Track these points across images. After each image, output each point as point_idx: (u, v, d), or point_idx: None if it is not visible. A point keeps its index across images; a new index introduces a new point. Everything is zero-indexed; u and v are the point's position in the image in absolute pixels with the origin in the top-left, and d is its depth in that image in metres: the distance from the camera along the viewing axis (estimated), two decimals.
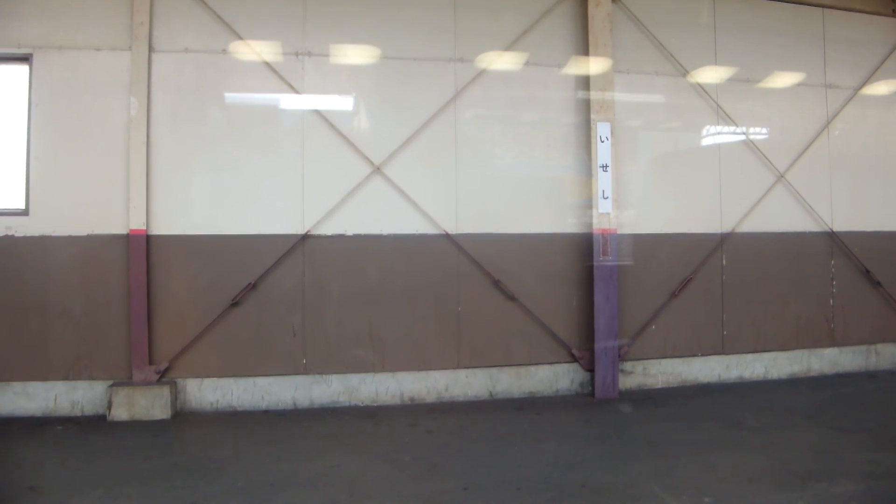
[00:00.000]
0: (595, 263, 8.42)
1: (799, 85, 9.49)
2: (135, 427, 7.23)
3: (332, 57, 8.14)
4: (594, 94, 8.49)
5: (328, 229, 8.05)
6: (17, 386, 7.57)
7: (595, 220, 8.43)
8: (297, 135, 8.04)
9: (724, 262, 9.09)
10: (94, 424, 7.35)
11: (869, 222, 9.69)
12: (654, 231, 8.86)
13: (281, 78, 7.99)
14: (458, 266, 8.32)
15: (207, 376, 7.86)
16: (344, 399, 8.10)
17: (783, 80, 9.43)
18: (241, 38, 7.90)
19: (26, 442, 6.75)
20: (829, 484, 5.50)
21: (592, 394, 8.52)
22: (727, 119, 9.12)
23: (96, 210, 7.67)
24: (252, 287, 7.88)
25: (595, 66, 8.51)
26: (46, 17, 7.65)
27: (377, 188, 8.16)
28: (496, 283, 8.36)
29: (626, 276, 8.63)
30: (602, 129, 8.43)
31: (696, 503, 5.18)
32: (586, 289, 8.55)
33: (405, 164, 8.22)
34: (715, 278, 9.08)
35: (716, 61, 9.13)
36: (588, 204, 8.53)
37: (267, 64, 7.98)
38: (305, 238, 7.99)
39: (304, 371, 8.02)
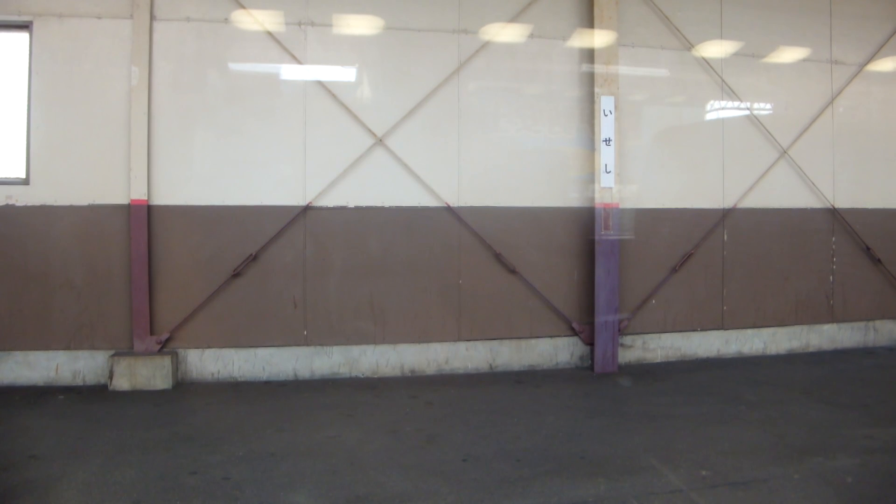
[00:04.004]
0: (596, 238, 8.42)
1: (804, 60, 9.42)
2: (136, 397, 7.27)
3: (335, 27, 8.07)
4: (598, 68, 8.43)
5: (330, 201, 8.03)
6: (19, 355, 7.61)
7: (597, 195, 8.41)
8: (299, 106, 7.99)
9: (725, 237, 9.09)
10: (95, 394, 7.39)
11: (871, 199, 9.67)
12: (656, 206, 8.85)
13: (283, 48, 7.93)
14: (460, 239, 8.32)
15: (209, 347, 7.89)
16: (345, 370, 8.14)
17: (788, 55, 9.36)
18: (243, 6, 7.82)
19: (28, 411, 6.79)
20: (825, 458, 5.55)
21: (592, 367, 8.55)
22: (731, 94, 9.06)
23: (97, 180, 7.65)
24: (253, 258, 7.88)
25: (600, 39, 8.45)
26: None
27: (379, 160, 8.13)
28: (497, 256, 8.37)
29: (628, 250, 8.63)
30: (606, 102, 8.38)
31: (694, 476, 5.22)
32: (587, 263, 8.56)
33: (408, 135, 8.18)
34: (716, 254, 9.08)
35: (721, 36, 9.06)
36: (590, 178, 8.51)
37: (269, 33, 7.91)
38: (307, 209, 7.97)
39: (305, 342, 8.05)
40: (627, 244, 8.64)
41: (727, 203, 9.08)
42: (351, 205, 8.09)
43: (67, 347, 7.66)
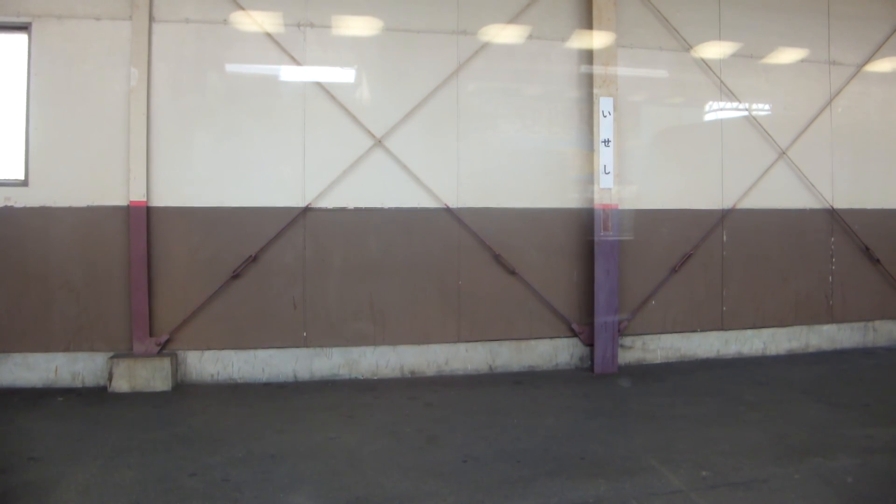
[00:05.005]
0: (596, 238, 8.41)
1: (802, 61, 9.42)
2: (135, 399, 7.26)
3: (334, 28, 8.07)
4: (597, 69, 8.44)
5: (329, 202, 8.03)
6: (18, 357, 7.59)
7: (596, 196, 8.41)
8: (298, 107, 7.99)
9: (724, 238, 9.09)
10: (94, 396, 7.38)
11: (869, 200, 9.68)
12: (656, 206, 8.84)
13: (282, 49, 7.92)
14: (459, 240, 8.32)
15: (208, 348, 7.88)
16: (344, 372, 8.13)
17: (787, 56, 9.36)
18: (242, 8, 7.82)
19: (27, 413, 6.78)
20: (825, 458, 5.55)
21: (592, 368, 8.55)
22: (730, 95, 9.07)
23: (96, 181, 7.64)
24: (253, 259, 7.87)
25: (598, 40, 8.45)
26: None
27: (378, 161, 8.12)
28: (497, 258, 8.36)
29: (627, 251, 8.63)
30: (605, 103, 8.38)
31: (694, 476, 5.22)
32: (587, 264, 8.55)
33: (407, 137, 8.18)
34: (715, 254, 9.08)
35: (720, 37, 9.06)
36: (590, 179, 8.50)
37: (268, 35, 7.91)
38: (306, 211, 7.97)
39: (305, 344, 8.04)
40: (627, 245, 8.64)
41: (726, 204, 9.08)
42: (350, 206, 8.08)
43: (66, 349, 7.65)
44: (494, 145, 8.47)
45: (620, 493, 4.95)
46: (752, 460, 5.52)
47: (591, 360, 8.57)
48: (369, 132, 8.07)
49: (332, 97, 8.01)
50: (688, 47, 8.93)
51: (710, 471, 5.32)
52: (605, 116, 8.39)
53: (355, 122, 8.05)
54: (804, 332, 9.46)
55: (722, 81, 9.04)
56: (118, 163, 7.64)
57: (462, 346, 8.39)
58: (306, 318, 8.04)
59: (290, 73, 8.02)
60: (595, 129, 8.42)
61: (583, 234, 8.56)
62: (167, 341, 7.74)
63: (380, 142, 8.09)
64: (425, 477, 5.24)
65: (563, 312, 8.59)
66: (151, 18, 7.67)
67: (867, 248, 9.59)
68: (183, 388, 7.70)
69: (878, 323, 9.79)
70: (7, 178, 7.65)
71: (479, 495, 4.92)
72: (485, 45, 8.36)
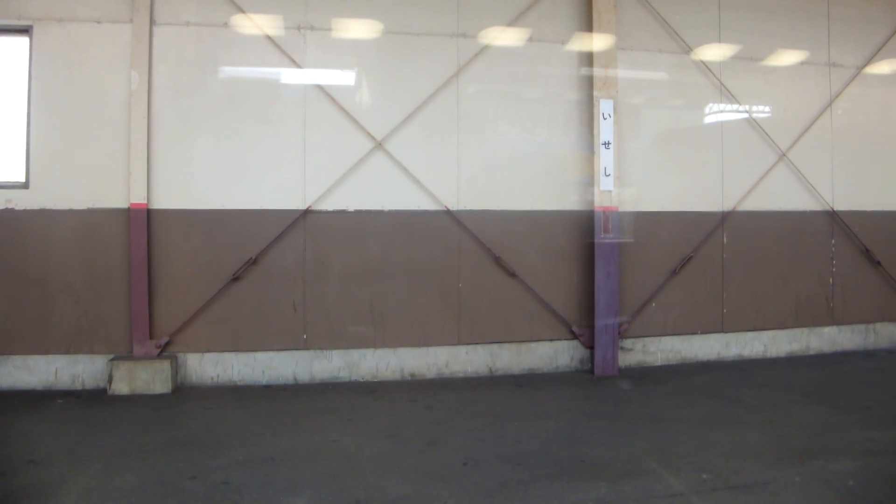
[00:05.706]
0: (596, 241, 8.41)
1: (802, 63, 9.42)
2: (135, 401, 7.26)
3: (334, 31, 8.07)
4: (597, 71, 8.44)
5: (330, 205, 8.03)
6: (18, 359, 7.59)
7: (597, 198, 8.41)
8: (298, 109, 7.99)
9: (724, 240, 9.09)
10: (94, 398, 7.37)
11: (870, 201, 9.67)
12: (656, 209, 8.84)
13: (282, 52, 7.93)
14: (460, 242, 8.32)
15: (208, 351, 7.88)
16: (344, 374, 8.13)
17: (787, 58, 9.36)
18: (242, 11, 7.82)
19: (27, 415, 6.77)
20: (826, 461, 5.54)
21: (592, 371, 8.54)
22: (730, 97, 9.07)
23: (97, 184, 7.64)
24: (253, 262, 7.87)
25: (598, 42, 8.45)
26: None
27: (379, 164, 8.12)
28: (497, 260, 8.36)
29: (627, 253, 8.63)
30: (605, 106, 8.38)
31: (695, 479, 5.21)
32: (587, 266, 8.55)
33: (407, 139, 8.18)
34: (716, 256, 9.07)
35: (720, 39, 9.06)
36: (590, 181, 8.50)
37: (268, 37, 7.91)
38: (307, 213, 7.97)
39: (305, 346, 8.04)
40: (627, 247, 8.64)
41: (726, 206, 9.07)
42: (351, 208, 8.08)
43: (67, 352, 7.64)
44: (495, 148, 8.47)
45: (621, 496, 4.94)
46: (753, 463, 5.52)
47: (592, 362, 8.56)
48: (369, 134, 8.07)
49: (333, 100, 8.01)
50: (688, 49, 8.93)
51: (710, 473, 5.32)
52: (605, 119, 8.39)
53: (355, 124, 8.05)
54: (805, 334, 9.46)
55: (722, 83, 9.04)
56: (119, 165, 7.64)
57: (462, 349, 8.38)
58: (306, 320, 8.03)
59: (290, 76, 8.02)
60: (595, 132, 8.42)
61: (583, 236, 8.56)
62: (167, 344, 7.73)
63: (380, 144, 8.09)
64: (426, 480, 5.24)
65: (564, 315, 8.58)
66: (152, 21, 7.67)
67: (868, 250, 9.58)
68: (183, 391, 7.70)
69: (878, 325, 9.78)
70: (8, 180, 7.65)
71: (479, 498, 4.91)
72: (485, 48, 8.37)
